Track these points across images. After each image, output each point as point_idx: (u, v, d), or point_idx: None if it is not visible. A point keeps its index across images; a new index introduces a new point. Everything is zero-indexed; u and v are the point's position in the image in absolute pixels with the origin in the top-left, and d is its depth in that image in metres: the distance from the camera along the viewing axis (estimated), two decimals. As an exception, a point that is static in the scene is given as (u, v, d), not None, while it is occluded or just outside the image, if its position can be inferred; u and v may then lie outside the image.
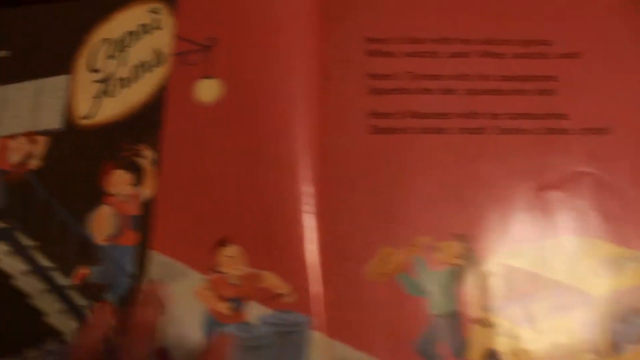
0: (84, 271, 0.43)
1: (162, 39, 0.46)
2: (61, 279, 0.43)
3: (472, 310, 0.40)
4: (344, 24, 0.45)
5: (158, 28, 0.46)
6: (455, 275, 0.41)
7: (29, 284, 0.43)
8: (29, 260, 0.44)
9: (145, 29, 0.47)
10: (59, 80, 0.47)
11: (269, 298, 0.40)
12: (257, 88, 0.43)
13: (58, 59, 0.48)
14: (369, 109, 0.43)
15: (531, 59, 0.45)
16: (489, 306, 0.40)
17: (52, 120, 0.46)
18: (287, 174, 0.42)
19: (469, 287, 0.40)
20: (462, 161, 0.43)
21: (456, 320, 0.40)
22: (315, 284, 0.40)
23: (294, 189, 0.41)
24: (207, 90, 0.44)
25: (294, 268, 0.40)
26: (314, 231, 0.41)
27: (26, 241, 0.44)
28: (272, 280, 0.40)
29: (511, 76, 0.44)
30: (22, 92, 0.48)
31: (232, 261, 0.41)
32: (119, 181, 0.44)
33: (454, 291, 0.40)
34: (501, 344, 0.40)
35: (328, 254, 0.40)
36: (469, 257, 0.41)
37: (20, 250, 0.44)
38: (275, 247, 0.41)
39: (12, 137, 0.47)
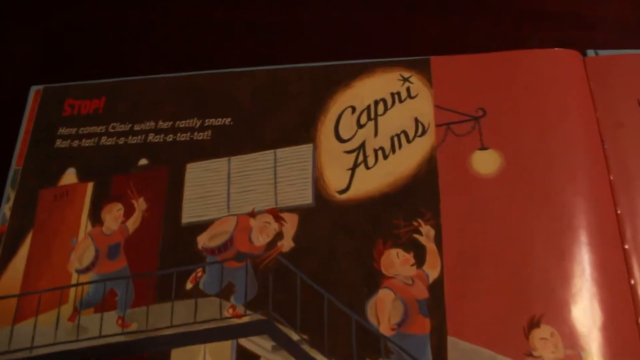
0: (371, 367, 0.37)
1: (420, 108, 0.43)
2: (346, 378, 0.37)
3: None
4: (613, 87, 0.43)
5: (411, 97, 0.43)
6: None
7: (308, 386, 0.37)
8: (302, 357, 0.37)
9: (398, 98, 0.43)
10: (302, 151, 0.43)
11: (596, 383, 0.36)
12: (537, 157, 0.41)
13: (296, 127, 0.44)
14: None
15: None
16: None
17: (301, 195, 0.41)
18: (593, 246, 0.39)
19: None
20: None
21: None
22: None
23: (604, 260, 0.38)
24: (486, 162, 0.41)
25: (623, 347, 0.36)
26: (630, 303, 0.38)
27: (292, 335, 0.38)
28: (596, 364, 0.37)
29: None
30: (256, 164, 0.43)
31: (548, 343, 0.37)
32: (397, 262, 0.39)
33: None
34: None
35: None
36: None
37: (287, 346, 0.38)
38: (597, 324, 0.37)
39: (251, 215, 0.42)
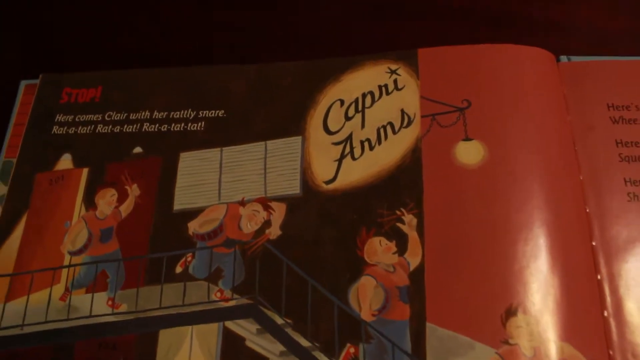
0: (351, 350, 0.38)
1: (407, 100, 0.44)
2: (326, 361, 0.38)
3: None
4: (584, 92, 0.44)
5: (398, 89, 0.44)
6: None
7: (291, 367, 0.38)
8: (285, 340, 0.38)
9: (385, 90, 0.44)
10: (292, 142, 0.44)
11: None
12: (518, 152, 0.41)
13: (286, 120, 0.45)
14: (624, 176, 0.42)
15: None
16: None
17: (289, 185, 0.43)
18: (564, 241, 0.39)
19: None
20: None
21: None
22: (614, 353, 0.38)
23: (575, 255, 0.39)
24: (469, 152, 0.42)
25: (590, 337, 0.37)
26: (607, 298, 0.39)
27: (277, 319, 0.39)
28: (569, 351, 0.37)
29: None
30: (247, 155, 0.44)
31: (523, 331, 0.38)
32: (379, 250, 0.40)
33: None
34: None
35: (620, 321, 0.38)
36: None
37: (271, 329, 0.39)
38: (568, 315, 0.38)
39: (241, 203, 0.43)
